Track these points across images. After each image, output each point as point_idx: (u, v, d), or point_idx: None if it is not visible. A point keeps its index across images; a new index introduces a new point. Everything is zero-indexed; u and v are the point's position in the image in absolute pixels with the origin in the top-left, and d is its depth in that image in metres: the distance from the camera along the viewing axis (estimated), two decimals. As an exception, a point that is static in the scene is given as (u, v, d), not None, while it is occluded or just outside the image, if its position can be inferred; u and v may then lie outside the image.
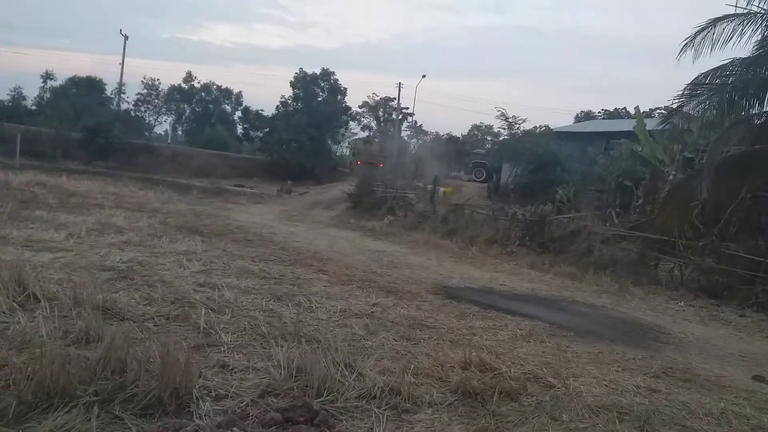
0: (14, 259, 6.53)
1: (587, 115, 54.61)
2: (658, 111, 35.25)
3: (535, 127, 29.98)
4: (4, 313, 4.86)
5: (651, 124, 17.78)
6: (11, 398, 3.25)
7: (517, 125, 27.77)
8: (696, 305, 10.35)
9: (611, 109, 52.50)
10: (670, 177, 14.47)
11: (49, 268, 6.80)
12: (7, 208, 11.62)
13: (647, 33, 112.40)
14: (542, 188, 20.60)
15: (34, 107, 44.84)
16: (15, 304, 5.07)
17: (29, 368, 3.50)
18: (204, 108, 57.39)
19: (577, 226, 14.27)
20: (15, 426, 3.07)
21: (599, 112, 53.66)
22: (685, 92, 11.06)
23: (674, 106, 11.47)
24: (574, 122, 48.94)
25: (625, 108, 50.22)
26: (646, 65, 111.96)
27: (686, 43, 11.20)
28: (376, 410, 3.84)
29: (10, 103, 41.94)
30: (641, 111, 19.24)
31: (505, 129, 28.71)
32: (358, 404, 3.93)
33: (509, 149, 26.91)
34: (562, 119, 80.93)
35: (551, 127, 30.89)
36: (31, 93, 46.32)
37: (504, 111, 27.61)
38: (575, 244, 13.58)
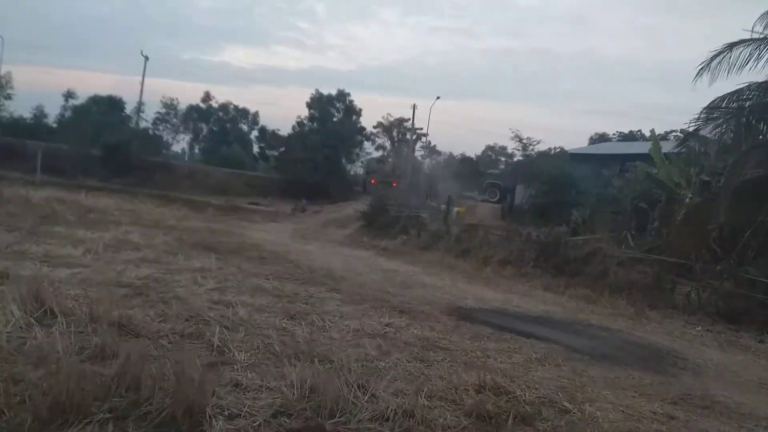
0: (32, 275, 6.64)
1: (602, 137, 54.50)
2: (674, 134, 35.12)
3: (550, 149, 30.05)
4: (21, 328, 4.91)
5: (667, 147, 17.70)
6: (27, 414, 3.28)
7: (532, 146, 27.80)
8: (714, 330, 10.17)
9: (626, 132, 52.37)
10: (687, 200, 14.34)
11: (66, 284, 6.87)
12: (27, 223, 11.80)
13: (662, 57, 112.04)
14: (557, 210, 20.49)
15: (55, 125, 45.68)
16: (32, 320, 5.12)
17: (45, 384, 3.53)
18: (221, 127, 58.12)
19: (592, 248, 14.15)
20: (30, 442, 3.09)
21: (614, 134, 53.57)
22: (702, 115, 11.04)
23: (691, 129, 11.46)
24: (589, 144, 48.82)
25: (640, 130, 50.09)
26: (662, 88, 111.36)
27: (702, 67, 11.20)
28: (388, 432, 3.81)
29: (32, 121, 42.76)
30: (657, 133, 19.12)
31: (519, 150, 28.77)
32: (371, 426, 3.90)
33: (523, 170, 26.89)
34: (576, 141, 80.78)
35: (566, 149, 30.84)
36: (53, 111, 47.26)
37: (518, 132, 27.70)
38: (590, 266, 13.45)
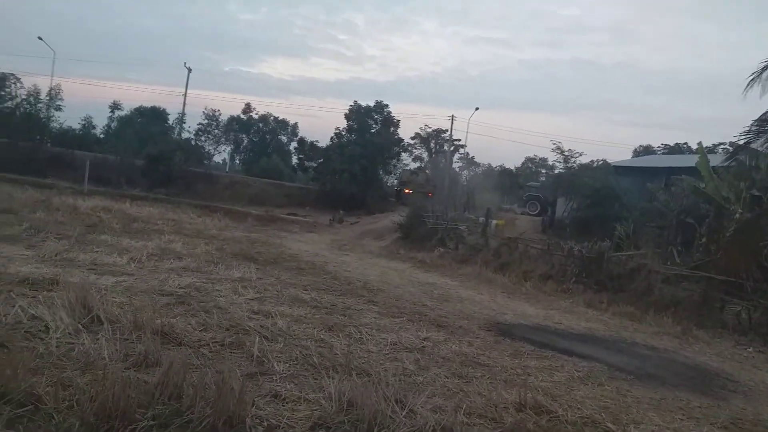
0: (80, 282, 6.84)
1: (646, 150, 53.22)
2: (722, 147, 34.08)
3: (592, 161, 29.42)
4: (70, 334, 5.06)
5: (715, 160, 17.13)
6: (75, 419, 3.36)
7: (573, 158, 27.31)
8: (766, 352, 9.73)
9: (671, 144, 51.01)
10: (737, 215, 13.83)
11: (112, 292, 7.07)
12: (75, 231, 12.21)
13: (708, 67, 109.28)
14: (599, 224, 20.05)
15: (102, 135, 47.33)
16: (80, 326, 5.28)
17: (92, 390, 3.61)
18: (261, 138, 59.18)
19: (636, 264, 13.76)
20: (77, 447, 3.17)
21: (659, 147, 52.28)
22: (753, 128, 10.65)
23: (741, 142, 11.06)
24: (633, 157, 47.74)
25: (686, 143, 48.80)
26: (708, 99, 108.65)
27: (753, 78, 10.81)
28: (427, 449, 3.76)
29: (81, 132, 44.34)
30: (704, 146, 18.52)
31: (560, 162, 28.26)
32: (409, 442, 3.86)
33: (565, 183, 26.43)
34: (620, 153, 79.09)
35: (609, 161, 30.19)
36: (100, 122, 48.96)
37: (560, 144, 27.25)
38: (635, 282, 13.08)
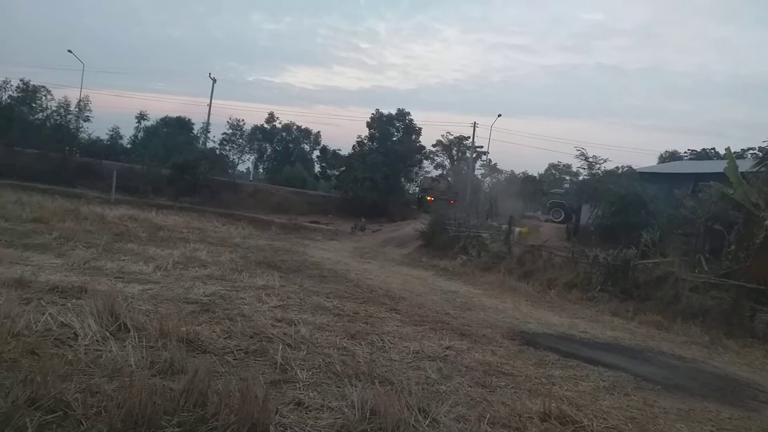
0: (108, 290, 6.97)
1: (673, 156, 52.23)
2: (751, 152, 33.28)
3: (617, 167, 28.94)
4: (98, 341, 5.16)
5: (744, 166, 16.78)
6: (103, 425, 3.42)
7: (598, 165, 26.96)
8: (800, 362, 9.47)
9: (698, 150, 49.99)
10: (767, 222, 13.50)
11: (138, 299, 7.19)
12: (103, 240, 12.45)
13: (737, 70, 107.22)
14: (625, 231, 19.74)
15: (129, 146, 48.22)
16: (108, 333, 5.37)
17: (120, 396, 3.67)
18: (284, 147, 59.71)
19: (663, 272, 13.52)
20: (105, 452, 3.22)
21: (685, 153, 51.18)
22: (784, 132, 10.39)
23: (771, 146, 10.78)
24: (659, 163, 46.94)
25: (713, 148, 47.66)
26: (737, 104, 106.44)
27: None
28: (451, 459, 3.74)
29: (108, 142, 45.25)
30: (732, 151, 18.14)
31: (585, 169, 27.91)
32: (433, 452, 3.84)
33: (589, 189, 26.10)
34: (645, 159, 77.69)
35: (634, 168, 29.69)
36: (127, 132, 49.91)
37: (584, 150, 26.93)
38: (661, 291, 12.84)
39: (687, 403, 6.07)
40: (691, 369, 8.10)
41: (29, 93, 37.98)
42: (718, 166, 20.11)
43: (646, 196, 22.85)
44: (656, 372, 7.47)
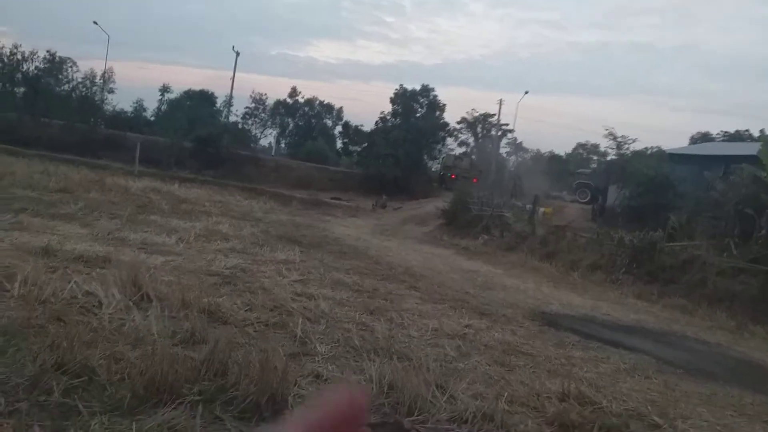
0: (131, 261, 7.07)
1: (704, 137, 50.93)
2: (786, 134, 32.28)
3: (646, 148, 28.26)
4: (121, 310, 5.24)
5: (779, 149, 16.27)
6: (126, 390, 3.48)
7: (627, 145, 26.44)
8: (828, 351, 9.27)
9: (731, 131, 48.65)
10: (800, 207, 13.14)
11: (160, 271, 7.26)
12: (126, 212, 12.61)
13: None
14: (652, 213, 19.43)
15: (152, 118, 48.67)
16: (131, 303, 5.45)
17: (142, 364, 3.73)
18: (306, 122, 59.66)
19: (690, 255, 13.29)
20: (128, 417, 3.27)
21: (718, 134, 49.89)
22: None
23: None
24: (690, 144, 45.83)
25: (747, 130, 46.31)
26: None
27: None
28: (468, 435, 3.74)
29: (132, 114, 45.72)
30: (766, 134, 17.61)
31: (613, 149, 27.44)
32: (449, 427, 3.84)
33: (617, 170, 25.68)
34: (675, 140, 75.69)
35: (664, 149, 29.02)
36: (151, 105, 50.37)
37: (612, 130, 26.43)
38: (687, 274, 12.64)
39: (709, 388, 5.99)
40: (715, 354, 7.99)
41: (55, 65, 38.37)
42: (751, 149, 19.53)
43: (675, 177, 22.42)
44: (679, 356, 7.37)
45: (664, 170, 22.79)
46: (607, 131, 26.89)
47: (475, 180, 35.00)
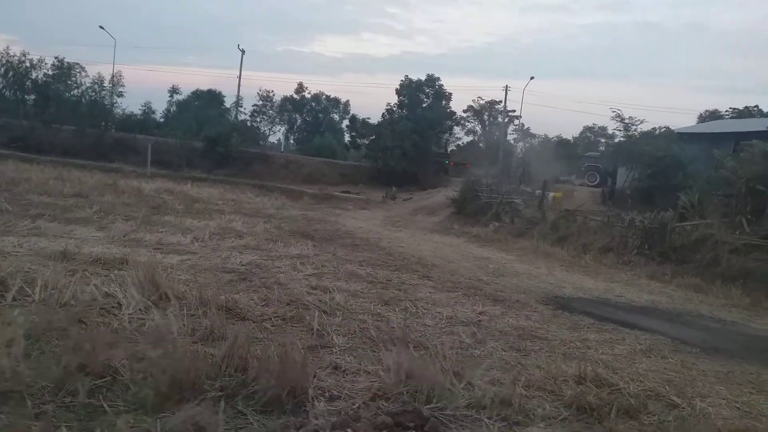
0: (148, 261, 7.17)
1: (713, 115, 50.27)
2: (798, 108, 31.85)
3: (654, 129, 28.02)
4: (140, 310, 5.34)
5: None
6: (149, 389, 3.56)
7: (634, 126, 26.22)
8: None
9: (741, 108, 48.00)
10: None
11: (177, 270, 7.38)
12: (141, 213, 12.76)
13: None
14: (662, 193, 19.30)
15: (162, 119, 48.91)
16: (150, 302, 5.55)
17: (164, 362, 3.81)
18: (314, 117, 59.73)
19: (702, 234, 13.21)
20: (153, 415, 3.35)
21: (726, 111, 49.21)
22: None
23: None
24: (698, 122, 45.33)
25: (756, 106, 45.73)
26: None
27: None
28: (486, 420, 3.78)
29: (141, 117, 45.95)
30: (777, 108, 17.44)
31: (620, 131, 27.20)
32: (468, 413, 3.88)
33: (625, 152, 25.51)
34: (684, 120, 74.63)
35: (672, 129, 28.75)
36: (160, 107, 50.63)
37: (620, 112, 26.21)
38: (700, 253, 12.57)
39: (726, 366, 5.98)
40: (731, 331, 7.96)
41: (64, 70, 38.62)
42: (761, 125, 19.36)
43: (684, 157, 22.24)
44: (695, 335, 7.36)
45: (673, 150, 22.60)
46: (614, 113, 26.71)
47: (468, 166, 36.10)
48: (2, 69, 36.42)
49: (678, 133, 27.90)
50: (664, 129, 28.37)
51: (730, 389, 5.12)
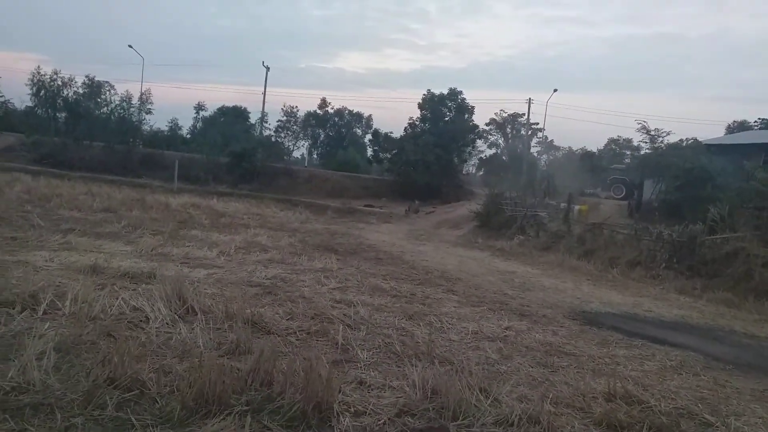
0: (175, 275, 7.27)
1: (741, 126, 49.31)
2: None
3: (681, 140, 27.58)
4: (168, 324, 5.40)
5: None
6: (176, 403, 3.58)
7: (661, 138, 25.86)
8: None
9: (770, 118, 46.97)
10: None
11: (203, 283, 7.46)
12: (168, 227, 12.95)
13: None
14: (690, 206, 18.90)
15: (188, 135, 49.68)
16: (176, 316, 5.61)
17: (190, 376, 3.84)
18: (337, 132, 60.15)
19: (733, 248, 12.89)
20: (179, 429, 3.37)
21: (755, 122, 48.20)
22: None
23: None
24: (726, 134, 44.50)
25: (788, 116, 44.71)
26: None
27: None
28: (514, 438, 3.72)
29: (168, 133, 46.76)
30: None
31: (646, 143, 26.83)
32: (496, 431, 3.83)
33: (652, 164, 25.11)
34: (711, 131, 73.20)
35: (699, 140, 28.26)
36: (186, 123, 51.40)
37: (645, 123, 25.88)
38: (731, 267, 12.26)
39: (762, 383, 5.80)
40: (765, 348, 7.73)
41: (94, 89, 39.52)
42: (792, 135, 18.88)
43: (713, 169, 21.79)
44: (727, 351, 7.17)
45: (701, 162, 22.18)
46: (639, 125, 26.37)
47: None
48: (34, 88, 37.30)
49: (706, 144, 27.42)
50: (691, 140, 27.91)
51: (766, 408, 4.96)
